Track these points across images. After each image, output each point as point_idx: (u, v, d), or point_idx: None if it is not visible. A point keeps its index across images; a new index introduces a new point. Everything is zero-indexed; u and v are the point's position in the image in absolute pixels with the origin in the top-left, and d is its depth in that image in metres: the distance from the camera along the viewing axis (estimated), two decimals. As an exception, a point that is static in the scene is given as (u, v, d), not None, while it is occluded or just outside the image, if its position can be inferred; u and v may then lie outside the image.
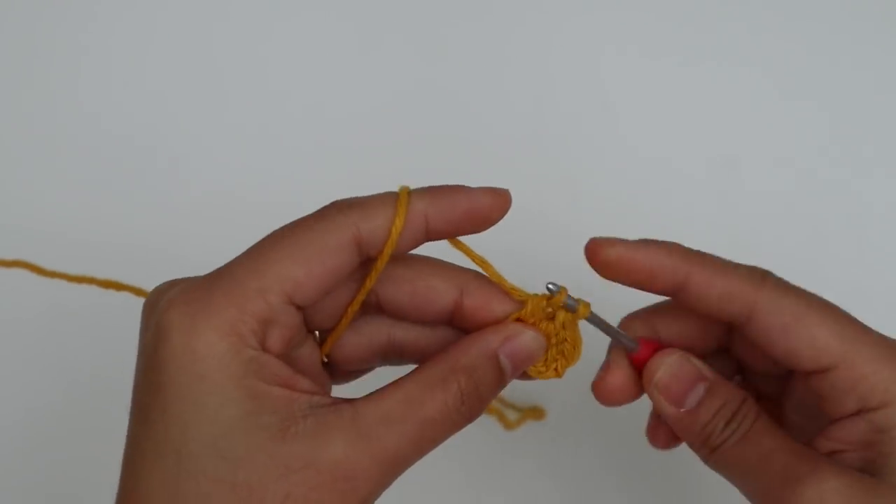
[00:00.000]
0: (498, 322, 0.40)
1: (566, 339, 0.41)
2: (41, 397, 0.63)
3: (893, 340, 0.40)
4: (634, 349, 0.43)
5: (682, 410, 0.41)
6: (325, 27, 0.74)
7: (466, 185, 0.38)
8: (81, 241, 0.65)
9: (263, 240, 0.37)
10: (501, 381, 0.39)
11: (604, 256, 0.40)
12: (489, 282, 0.40)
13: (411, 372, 0.38)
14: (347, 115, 0.70)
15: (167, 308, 0.35)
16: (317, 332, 0.41)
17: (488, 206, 0.38)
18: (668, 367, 0.42)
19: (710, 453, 0.41)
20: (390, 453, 0.35)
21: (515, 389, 0.54)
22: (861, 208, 0.69)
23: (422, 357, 0.42)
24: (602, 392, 0.43)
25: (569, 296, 0.41)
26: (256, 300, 0.35)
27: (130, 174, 0.69)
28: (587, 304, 0.41)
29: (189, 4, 0.74)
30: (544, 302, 0.40)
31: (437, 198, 0.37)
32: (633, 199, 0.67)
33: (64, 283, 0.57)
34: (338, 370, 0.42)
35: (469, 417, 0.38)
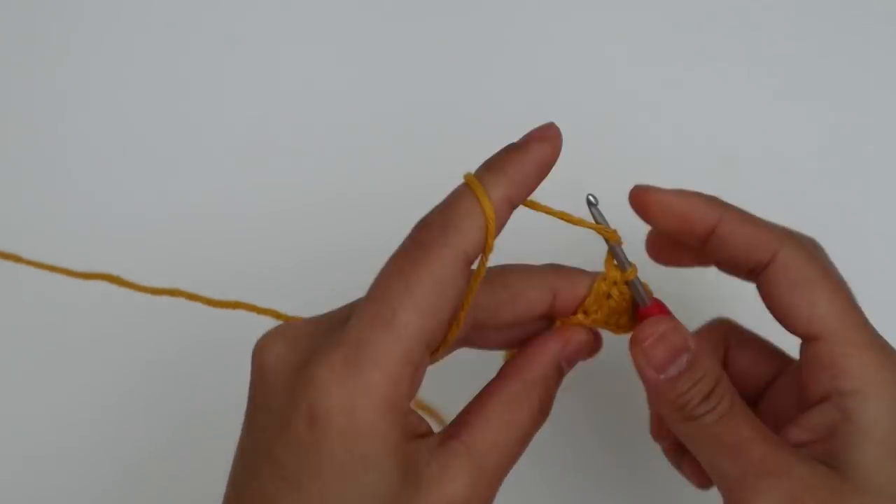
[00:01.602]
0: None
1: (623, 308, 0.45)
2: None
3: (883, 339, 0.43)
4: (646, 304, 0.45)
5: (661, 377, 0.43)
6: (324, 27, 0.74)
7: (513, 142, 0.40)
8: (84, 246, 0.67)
9: (384, 295, 0.37)
10: (562, 379, 0.43)
11: (645, 200, 0.46)
12: (576, 278, 0.44)
13: (491, 391, 0.41)
14: (348, 116, 0.71)
15: (321, 389, 0.36)
16: None
17: (552, 155, 0.40)
18: (657, 334, 0.44)
19: (684, 421, 0.43)
20: (501, 476, 0.39)
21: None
22: (862, 209, 0.69)
23: (486, 346, 0.45)
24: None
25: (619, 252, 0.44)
26: (406, 367, 0.36)
27: (131, 179, 0.70)
28: (634, 268, 0.45)
29: (186, 9, 0.75)
30: (603, 285, 0.44)
31: (511, 176, 0.39)
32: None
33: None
34: None
35: (544, 420, 0.42)
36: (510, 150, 0.39)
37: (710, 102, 0.70)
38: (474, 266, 0.40)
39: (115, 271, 0.51)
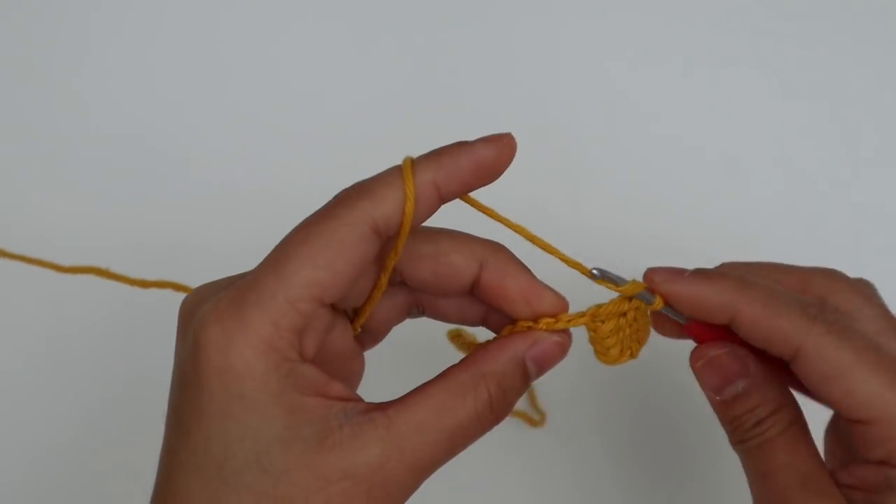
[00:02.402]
0: (519, 297, 0.40)
1: (640, 328, 0.43)
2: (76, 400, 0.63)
3: None
4: (683, 321, 0.43)
5: (717, 398, 0.42)
6: (330, 20, 0.73)
7: (467, 140, 0.38)
8: (93, 244, 0.66)
9: (283, 245, 0.37)
10: (527, 384, 0.40)
11: (659, 291, 0.42)
12: (508, 256, 0.40)
13: (440, 376, 0.38)
14: (352, 107, 0.70)
15: (201, 325, 0.35)
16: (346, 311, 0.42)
17: (494, 158, 0.38)
18: (706, 358, 0.42)
19: (736, 443, 0.42)
20: (424, 461, 0.36)
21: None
22: (861, 207, 0.69)
23: (444, 317, 0.43)
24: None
25: (644, 290, 0.42)
26: (289, 313, 0.35)
27: (139, 172, 0.69)
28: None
29: (193, 1, 0.74)
30: (625, 305, 0.42)
31: (443, 163, 0.37)
32: (634, 197, 0.66)
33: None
34: (368, 337, 0.44)
35: (496, 421, 0.38)
36: (454, 144, 0.38)
37: (712, 105, 0.70)
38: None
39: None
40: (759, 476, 0.41)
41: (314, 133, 0.69)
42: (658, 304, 0.42)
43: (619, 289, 0.41)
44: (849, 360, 0.38)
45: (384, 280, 0.39)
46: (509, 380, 0.39)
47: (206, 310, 0.36)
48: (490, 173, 0.38)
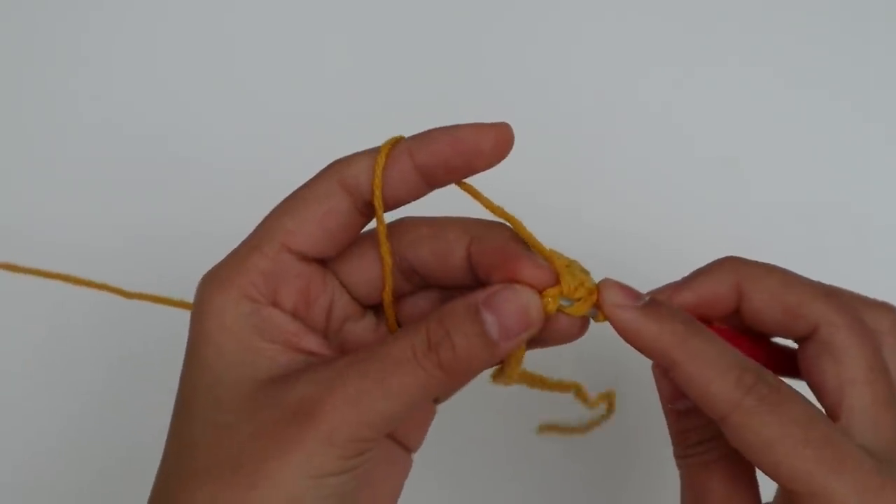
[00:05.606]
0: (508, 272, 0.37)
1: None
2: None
3: (882, 466, 0.36)
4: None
5: (669, 406, 0.41)
6: (336, 12, 0.73)
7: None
8: (97, 238, 0.66)
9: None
10: (484, 339, 0.35)
11: (604, 310, 0.39)
12: (500, 230, 0.38)
13: None
14: (357, 97, 0.70)
15: (197, 288, 0.38)
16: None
17: (473, 137, 0.37)
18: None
19: (679, 457, 0.42)
20: (353, 391, 0.34)
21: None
22: (862, 209, 0.69)
23: None
24: None
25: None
26: (252, 254, 0.37)
27: (142, 166, 0.69)
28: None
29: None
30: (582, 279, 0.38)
31: (421, 137, 0.38)
32: (634, 198, 0.66)
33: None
34: None
35: (441, 367, 0.35)
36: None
37: (711, 103, 0.70)
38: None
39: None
40: (692, 496, 0.40)
41: (326, 123, 0.69)
42: (600, 318, 0.39)
43: (570, 309, 0.38)
44: (775, 434, 0.36)
45: (385, 254, 0.39)
46: (453, 320, 0.35)
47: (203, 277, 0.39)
48: (472, 153, 0.37)
